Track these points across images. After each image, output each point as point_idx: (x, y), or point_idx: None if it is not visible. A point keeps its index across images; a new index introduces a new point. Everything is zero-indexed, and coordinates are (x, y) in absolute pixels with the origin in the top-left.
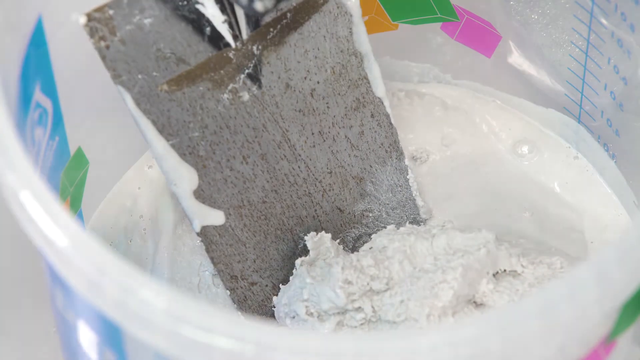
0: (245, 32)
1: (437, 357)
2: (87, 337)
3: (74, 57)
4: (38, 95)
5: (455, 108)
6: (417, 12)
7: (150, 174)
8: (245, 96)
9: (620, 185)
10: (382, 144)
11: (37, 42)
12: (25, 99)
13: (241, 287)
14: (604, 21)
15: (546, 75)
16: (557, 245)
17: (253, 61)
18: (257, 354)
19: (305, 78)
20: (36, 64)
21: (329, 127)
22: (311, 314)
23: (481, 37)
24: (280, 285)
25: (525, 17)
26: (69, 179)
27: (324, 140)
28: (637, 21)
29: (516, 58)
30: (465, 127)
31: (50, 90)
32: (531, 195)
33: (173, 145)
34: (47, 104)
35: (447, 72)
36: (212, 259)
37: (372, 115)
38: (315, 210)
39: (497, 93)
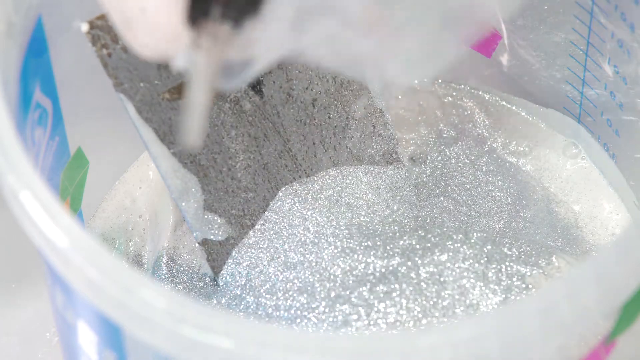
0: None
1: (437, 357)
2: (87, 337)
3: (74, 57)
4: (38, 95)
5: (455, 108)
6: None
7: (150, 174)
8: (247, 105)
9: (620, 185)
10: (383, 154)
11: (37, 42)
12: (25, 99)
13: None
14: (604, 21)
15: (546, 75)
16: (557, 245)
17: None
18: (257, 354)
19: (307, 88)
20: (36, 64)
21: (331, 137)
22: None
23: (481, 37)
24: None
25: (526, 17)
26: (69, 179)
27: (325, 151)
28: (637, 21)
29: (516, 58)
30: (465, 127)
31: (50, 90)
32: (530, 195)
33: (174, 154)
34: (47, 104)
35: (446, 72)
36: (212, 268)
37: (373, 126)
38: None
39: (497, 93)
